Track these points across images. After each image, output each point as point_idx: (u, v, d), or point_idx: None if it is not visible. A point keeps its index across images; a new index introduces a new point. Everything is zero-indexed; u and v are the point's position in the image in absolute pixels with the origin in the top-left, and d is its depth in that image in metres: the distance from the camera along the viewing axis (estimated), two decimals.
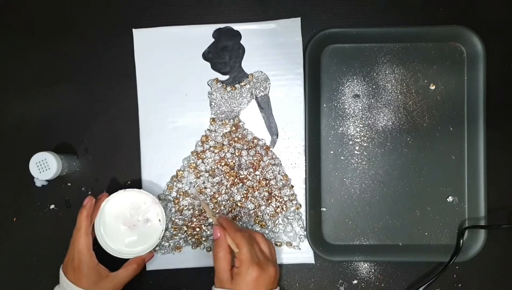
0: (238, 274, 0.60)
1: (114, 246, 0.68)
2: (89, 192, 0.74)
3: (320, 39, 0.73)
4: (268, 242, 0.64)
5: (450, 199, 0.73)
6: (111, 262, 0.68)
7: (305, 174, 0.73)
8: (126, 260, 0.69)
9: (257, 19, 0.74)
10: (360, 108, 0.74)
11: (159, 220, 0.69)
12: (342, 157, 0.74)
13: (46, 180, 0.74)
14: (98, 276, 0.65)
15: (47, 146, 0.74)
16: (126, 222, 0.68)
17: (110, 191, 0.69)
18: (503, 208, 0.73)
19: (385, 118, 0.74)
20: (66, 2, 0.75)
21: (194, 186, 0.73)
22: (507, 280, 0.73)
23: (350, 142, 0.74)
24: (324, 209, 0.74)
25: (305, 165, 0.73)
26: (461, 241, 0.71)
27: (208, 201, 0.73)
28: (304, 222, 0.73)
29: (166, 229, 0.72)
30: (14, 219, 0.75)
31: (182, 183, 0.74)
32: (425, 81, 0.74)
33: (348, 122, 0.74)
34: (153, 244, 0.68)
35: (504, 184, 0.74)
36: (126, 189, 0.68)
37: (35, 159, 0.69)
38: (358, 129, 0.74)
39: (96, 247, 0.67)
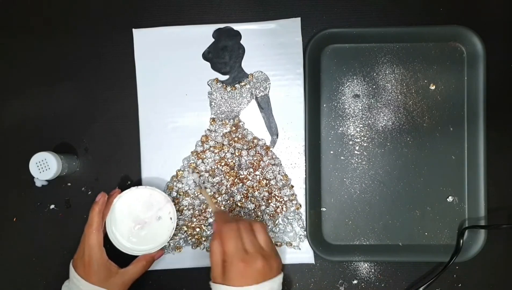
0: (226, 268, 0.59)
1: (125, 243, 0.68)
2: (89, 192, 0.74)
3: (320, 39, 0.73)
4: (264, 233, 0.62)
5: (450, 199, 0.73)
6: (120, 259, 0.67)
7: (305, 174, 0.73)
8: (135, 257, 0.69)
9: (257, 19, 0.74)
10: (360, 108, 0.74)
11: (171, 218, 0.69)
12: (342, 157, 0.74)
13: (46, 180, 0.74)
14: (108, 273, 0.65)
15: (47, 146, 0.74)
16: (137, 219, 0.68)
17: (110, 191, 0.69)
18: (503, 208, 0.73)
19: (385, 118, 0.74)
20: (66, 2, 0.75)
21: (194, 172, 0.73)
22: (507, 280, 0.73)
23: (350, 142, 0.74)
24: (324, 209, 0.74)
25: (305, 165, 0.73)
26: (461, 241, 0.71)
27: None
28: (304, 222, 0.73)
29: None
30: (14, 219, 0.75)
31: (182, 183, 0.74)
32: (425, 81, 0.74)
33: (348, 122, 0.74)
34: (163, 242, 0.68)
35: (504, 184, 0.74)
36: (139, 187, 0.68)
37: (35, 159, 0.69)
38: (358, 129, 0.74)
39: (107, 244, 0.67)
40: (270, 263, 0.59)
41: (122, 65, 0.75)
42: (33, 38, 0.75)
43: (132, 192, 0.68)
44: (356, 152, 0.74)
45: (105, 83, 0.75)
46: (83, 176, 0.75)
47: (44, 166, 0.69)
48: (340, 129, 0.74)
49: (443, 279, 0.72)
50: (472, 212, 0.73)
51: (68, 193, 0.75)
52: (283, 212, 0.73)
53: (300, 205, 0.73)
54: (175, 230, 0.73)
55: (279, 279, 0.60)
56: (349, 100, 0.74)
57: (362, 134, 0.74)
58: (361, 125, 0.74)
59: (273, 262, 0.60)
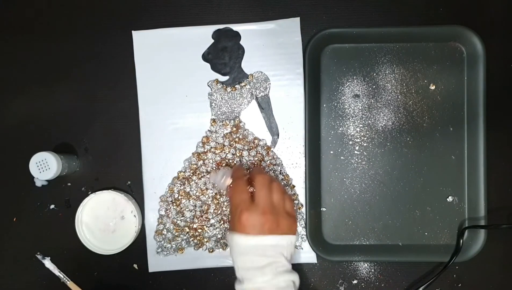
0: (232, 218, 0.61)
1: (100, 245, 0.71)
2: (89, 192, 0.74)
3: (320, 39, 0.73)
4: (279, 191, 0.62)
5: (450, 199, 0.73)
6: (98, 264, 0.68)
7: (305, 174, 0.73)
8: (111, 256, 0.71)
9: (257, 19, 0.74)
10: (360, 108, 0.74)
11: (135, 216, 0.71)
12: (342, 157, 0.74)
13: (46, 180, 0.74)
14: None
15: (47, 146, 0.74)
16: (104, 223, 0.71)
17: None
18: (503, 208, 0.73)
19: (385, 118, 0.74)
20: (66, 2, 0.75)
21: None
22: (507, 280, 0.73)
23: (350, 142, 0.74)
24: (324, 209, 0.74)
25: (305, 165, 0.73)
26: (461, 241, 0.71)
27: (210, 202, 0.73)
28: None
29: (166, 227, 0.73)
30: (14, 219, 0.75)
31: (184, 184, 0.74)
32: (425, 81, 0.74)
33: (348, 122, 0.74)
34: (132, 237, 0.71)
35: (504, 184, 0.74)
36: (102, 191, 0.71)
37: (35, 159, 0.69)
38: (358, 129, 0.74)
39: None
40: (279, 220, 0.59)
41: (122, 65, 0.75)
42: (33, 38, 0.75)
43: (95, 198, 0.71)
44: (356, 152, 0.74)
45: (105, 83, 0.75)
46: (83, 176, 0.75)
47: (44, 166, 0.69)
48: (340, 129, 0.74)
49: (443, 279, 0.72)
50: (472, 212, 0.73)
51: (68, 193, 0.75)
52: None
53: (302, 205, 0.73)
54: (176, 232, 0.73)
55: (288, 238, 0.60)
56: (349, 100, 0.74)
57: (362, 134, 0.74)
58: (361, 125, 0.74)
59: (283, 221, 0.60)
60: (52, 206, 0.75)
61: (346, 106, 0.74)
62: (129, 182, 0.75)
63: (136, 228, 0.71)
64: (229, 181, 0.66)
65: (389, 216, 0.74)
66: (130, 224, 0.71)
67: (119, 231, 0.71)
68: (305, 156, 0.73)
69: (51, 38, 0.75)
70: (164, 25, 0.74)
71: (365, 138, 0.74)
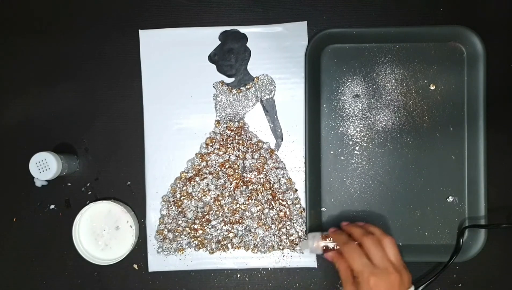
0: (359, 284, 0.61)
1: (97, 255, 0.71)
2: (89, 192, 0.74)
3: (320, 39, 0.73)
4: (394, 247, 0.63)
5: (450, 199, 0.73)
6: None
7: (305, 174, 0.73)
8: (111, 266, 0.72)
9: (257, 19, 0.74)
10: (360, 108, 0.74)
11: (130, 226, 0.71)
12: (342, 157, 0.74)
13: (46, 180, 0.74)
14: None
15: (47, 146, 0.74)
16: (100, 233, 0.71)
17: (110, 191, 0.72)
18: (503, 207, 0.73)
19: (385, 118, 0.74)
20: (67, 2, 0.75)
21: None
22: (507, 280, 0.73)
23: (350, 142, 0.74)
24: (324, 209, 0.74)
25: (305, 165, 0.73)
26: (461, 240, 0.71)
27: (211, 204, 0.73)
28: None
29: (167, 227, 0.73)
30: (14, 219, 0.75)
31: (186, 185, 0.73)
32: (425, 81, 0.74)
33: (348, 122, 0.74)
34: (130, 247, 0.71)
35: (504, 184, 0.74)
36: (96, 202, 0.71)
37: (35, 159, 0.69)
38: (358, 129, 0.74)
39: None
40: (402, 277, 0.61)
41: (123, 65, 0.75)
42: (33, 38, 0.75)
43: (92, 208, 0.71)
44: (356, 152, 0.74)
45: (105, 83, 0.75)
46: (83, 176, 0.75)
47: (44, 166, 0.69)
48: (340, 129, 0.74)
49: (443, 278, 0.72)
50: (472, 212, 0.73)
51: (68, 193, 0.75)
52: (286, 215, 0.73)
53: (304, 209, 0.73)
54: (177, 232, 0.73)
55: None
56: (349, 100, 0.74)
57: (362, 134, 0.74)
58: (361, 125, 0.74)
59: (405, 276, 0.61)
60: (52, 206, 0.75)
61: (346, 106, 0.74)
62: (129, 182, 0.75)
63: (132, 239, 0.71)
64: (322, 243, 0.68)
65: (389, 216, 0.74)
66: (125, 235, 0.71)
67: (114, 241, 0.71)
68: (305, 156, 0.73)
69: (50, 38, 0.75)
70: (164, 25, 0.74)
71: (365, 138, 0.74)
